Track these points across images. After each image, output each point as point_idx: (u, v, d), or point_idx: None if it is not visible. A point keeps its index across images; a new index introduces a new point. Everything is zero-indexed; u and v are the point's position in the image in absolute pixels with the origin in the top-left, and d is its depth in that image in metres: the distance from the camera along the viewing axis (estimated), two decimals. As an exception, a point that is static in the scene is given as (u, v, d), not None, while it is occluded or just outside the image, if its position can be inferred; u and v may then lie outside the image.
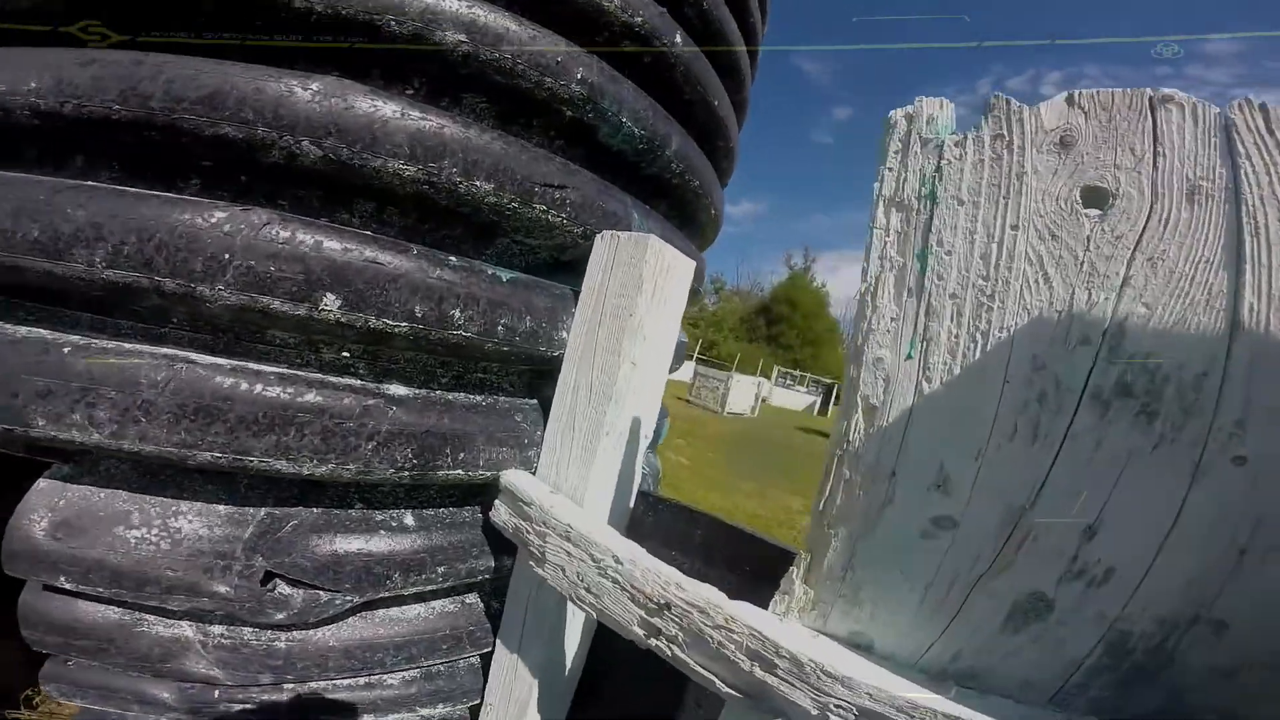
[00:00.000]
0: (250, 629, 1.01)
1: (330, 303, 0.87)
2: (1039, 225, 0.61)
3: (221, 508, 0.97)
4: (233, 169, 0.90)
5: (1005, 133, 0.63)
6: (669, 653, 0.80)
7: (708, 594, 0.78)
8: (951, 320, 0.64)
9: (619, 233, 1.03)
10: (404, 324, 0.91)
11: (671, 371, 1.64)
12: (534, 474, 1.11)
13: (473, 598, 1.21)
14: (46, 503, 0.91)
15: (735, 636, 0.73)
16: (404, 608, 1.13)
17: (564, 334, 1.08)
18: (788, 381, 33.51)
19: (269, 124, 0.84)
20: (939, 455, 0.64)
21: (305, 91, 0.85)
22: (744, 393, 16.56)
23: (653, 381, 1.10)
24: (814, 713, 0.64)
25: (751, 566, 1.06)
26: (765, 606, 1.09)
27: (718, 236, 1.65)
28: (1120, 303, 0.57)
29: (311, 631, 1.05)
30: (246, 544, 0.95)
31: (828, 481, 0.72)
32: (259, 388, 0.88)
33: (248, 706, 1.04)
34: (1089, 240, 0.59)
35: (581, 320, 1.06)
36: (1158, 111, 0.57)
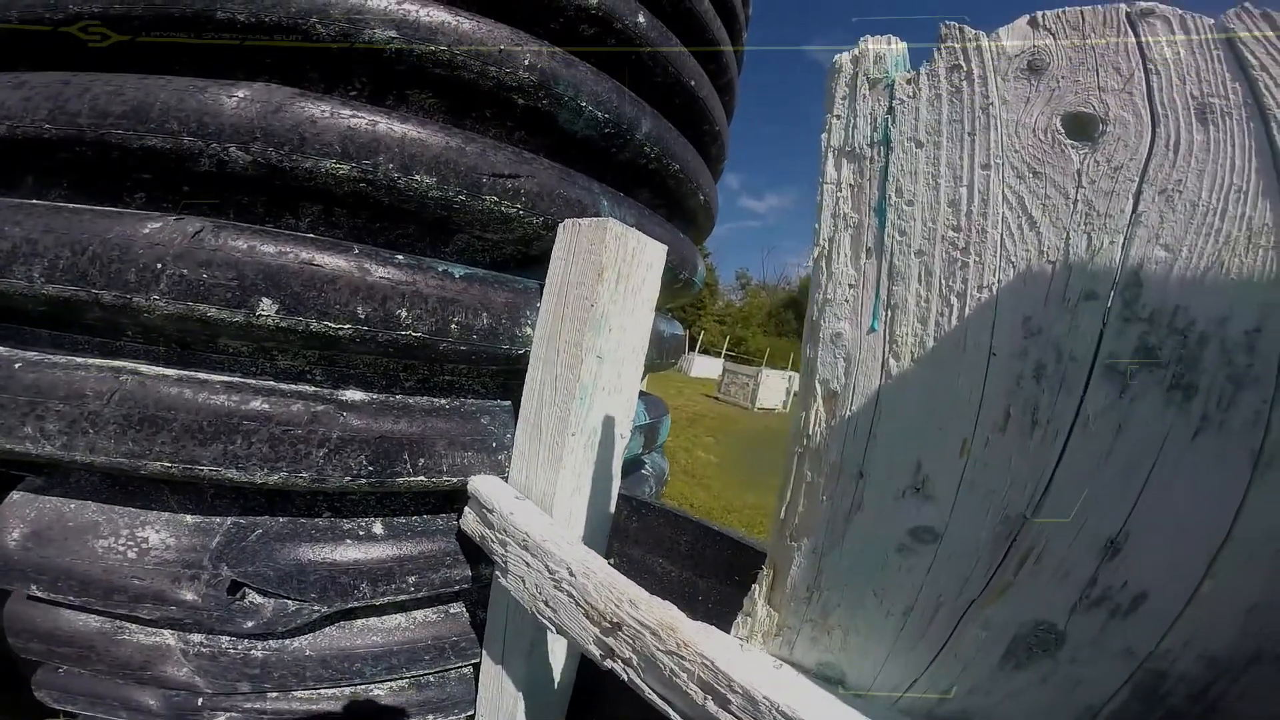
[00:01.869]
0: (227, 638, 0.96)
1: (268, 307, 0.78)
2: (1015, 163, 0.47)
3: (189, 518, 0.91)
4: (172, 180, 0.84)
5: (963, 63, 0.49)
6: (625, 676, 0.67)
7: (661, 614, 0.64)
8: (920, 281, 0.50)
9: (579, 220, 0.91)
10: (347, 326, 0.82)
11: (670, 366, 1.51)
12: (506, 479, 1.00)
13: (458, 607, 1.11)
14: (19, 514, 0.87)
15: (688, 665, 0.59)
16: (383, 617, 1.05)
17: (529, 330, 0.97)
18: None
19: (194, 133, 0.77)
20: (915, 451, 0.50)
21: (230, 99, 0.78)
22: (774, 388, 16.07)
23: (625, 374, 0.97)
24: (768, 763, 0.50)
25: (743, 576, 0.92)
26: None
27: (714, 225, 1.50)
28: (1131, 246, 0.42)
29: (288, 640, 0.98)
30: (213, 553, 0.89)
31: (788, 484, 0.58)
32: (203, 396, 0.81)
33: (232, 714, 0.98)
34: (1080, 174, 0.44)
35: (545, 314, 0.95)
36: (1138, 26, 0.43)
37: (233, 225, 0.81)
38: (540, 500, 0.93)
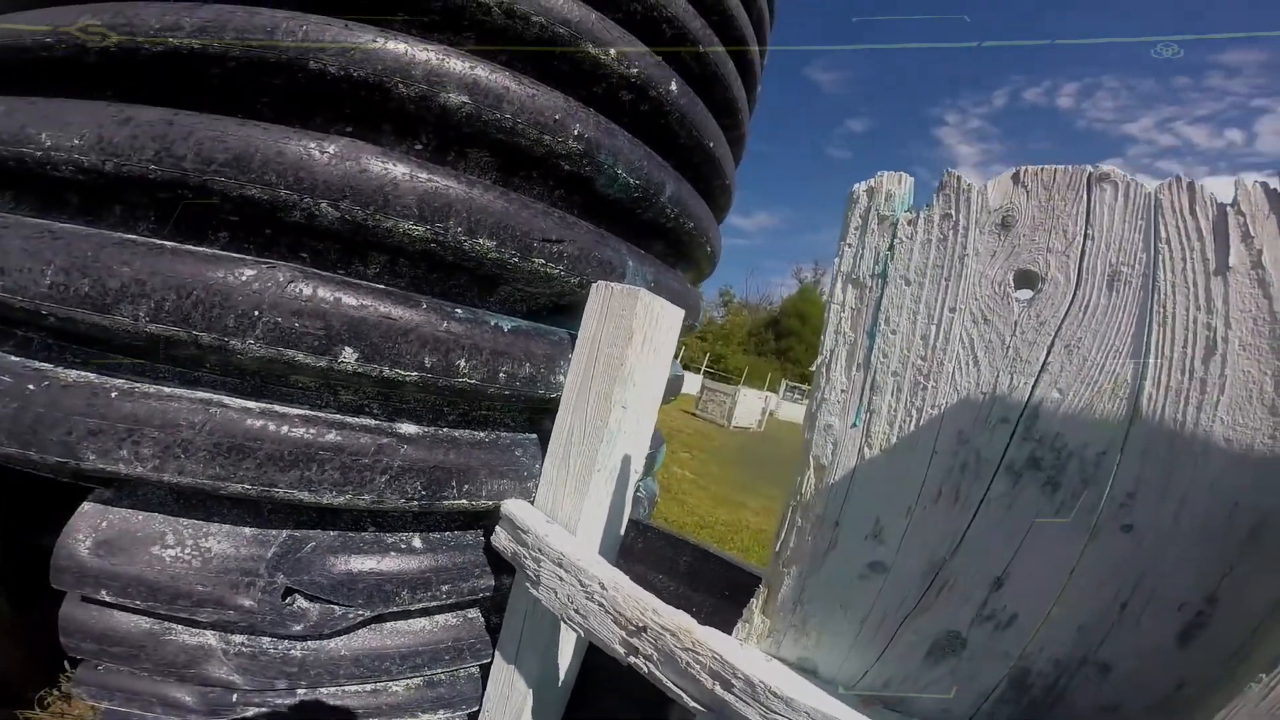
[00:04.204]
0: (268, 639, 1.13)
1: (348, 355, 0.98)
2: (974, 309, 0.67)
3: (248, 529, 1.09)
4: (258, 224, 1.01)
5: (952, 212, 0.66)
6: (645, 669, 0.90)
7: (679, 619, 0.88)
8: (892, 395, 0.73)
9: (612, 284, 1.13)
10: (414, 374, 1.02)
11: (667, 402, 1.75)
12: (533, 503, 1.22)
13: (474, 612, 1.32)
14: (90, 524, 1.03)
15: (700, 658, 0.82)
16: (409, 621, 1.25)
17: (561, 377, 1.18)
18: (795, 395, 33.01)
19: (290, 186, 0.95)
20: (875, 510, 0.74)
21: (323, 155, 0.96)
22: (750, 407, 16.76)
23: (643, 421, 1.20)
24: (761, 727, 0.74)
25: (730, 591, 1.17)
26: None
27: (715, 268, 1.74)
28: (1037, 388, 0.66)
29: (325, 641, 1.16)
30: (269, 562, 1.07)
31: (783, 527, 0.82)
32: (285, 429, 1.00)
33: (263, 710, 1.16)
34: (1016, 325, 0.65)
35: (576, 367, 1.16)
36: (1094, 191, 0.59)
37: (317, 275, 0.99)
38: (566, 524, 1.15)
